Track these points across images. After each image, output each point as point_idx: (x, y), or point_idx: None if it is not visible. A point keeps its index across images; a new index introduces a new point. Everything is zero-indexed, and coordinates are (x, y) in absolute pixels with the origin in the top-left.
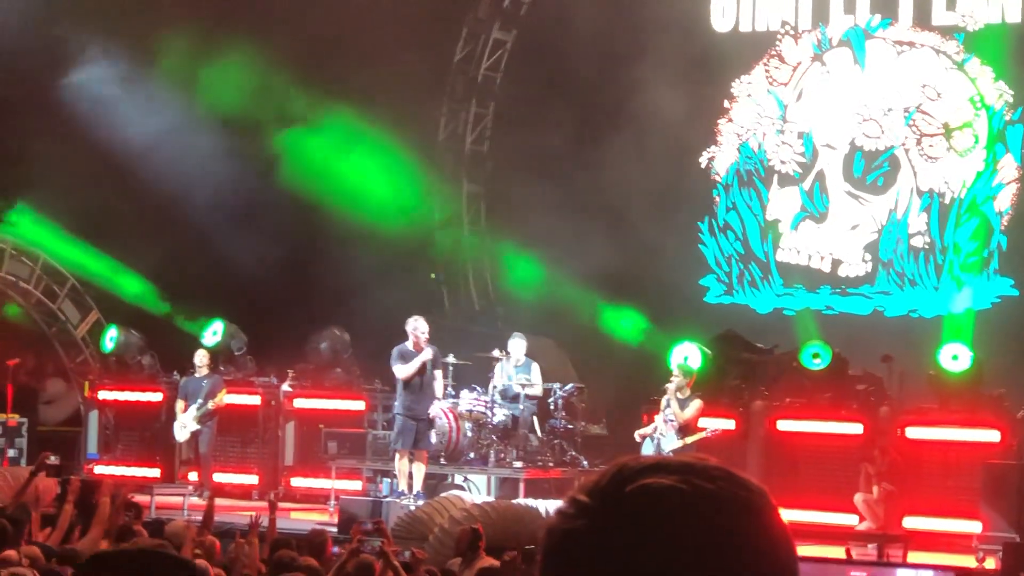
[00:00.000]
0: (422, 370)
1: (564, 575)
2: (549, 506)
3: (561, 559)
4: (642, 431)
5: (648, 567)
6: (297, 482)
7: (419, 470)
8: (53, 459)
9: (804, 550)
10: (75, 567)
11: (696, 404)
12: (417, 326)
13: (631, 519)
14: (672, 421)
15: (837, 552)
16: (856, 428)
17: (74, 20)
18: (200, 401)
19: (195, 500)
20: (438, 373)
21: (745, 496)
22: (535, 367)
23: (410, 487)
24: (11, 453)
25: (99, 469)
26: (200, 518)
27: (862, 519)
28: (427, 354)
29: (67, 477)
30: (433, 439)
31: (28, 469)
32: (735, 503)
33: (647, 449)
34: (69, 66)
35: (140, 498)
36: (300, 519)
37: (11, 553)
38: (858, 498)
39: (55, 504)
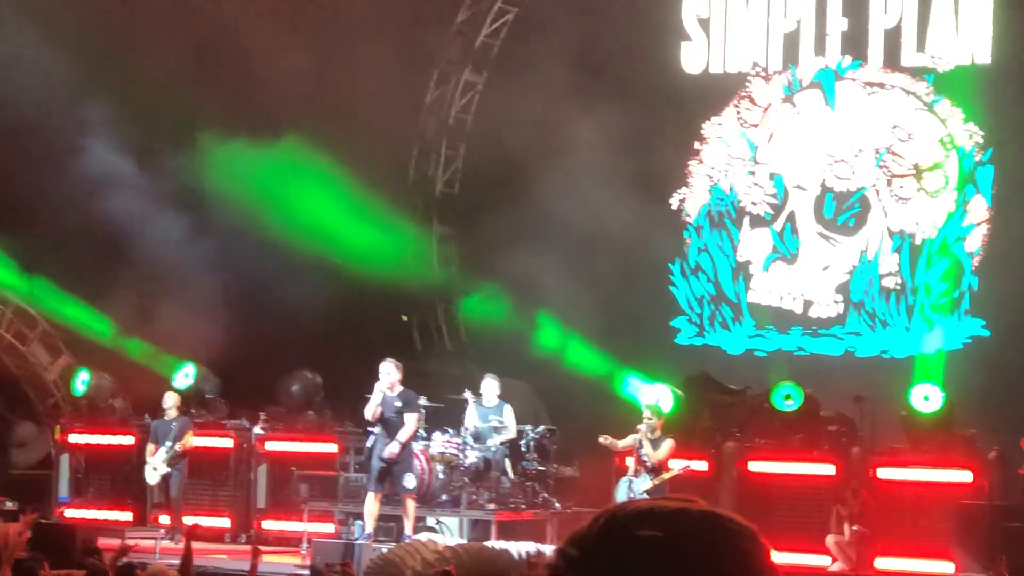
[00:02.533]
0: (389, 415)
1: None
2: (521, 548)
3: None
4: (620, 444)
5: None
6: (269, 525)
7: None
8: (9, 504)
9: None
10: None
11: (668, 444)
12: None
13: (621, 572)
14: (645, 461)
15: None
16: (828, 469)
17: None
18: (169, 444)
19: (167, 543)
20: (407, 417)
21: (737, 541)
22: (508, 408)
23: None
24: None
25: (70, 512)
26: (177, 562)
27: (834, 560)
28: (376, 397)
29: (38, 520)
30: (407, 482)
31: None
32: (727, 549)
33: (621, 489)
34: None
35: (111, 541)
36: (272, 562)
37: None
38: (830, 540)
39: (28, 550)
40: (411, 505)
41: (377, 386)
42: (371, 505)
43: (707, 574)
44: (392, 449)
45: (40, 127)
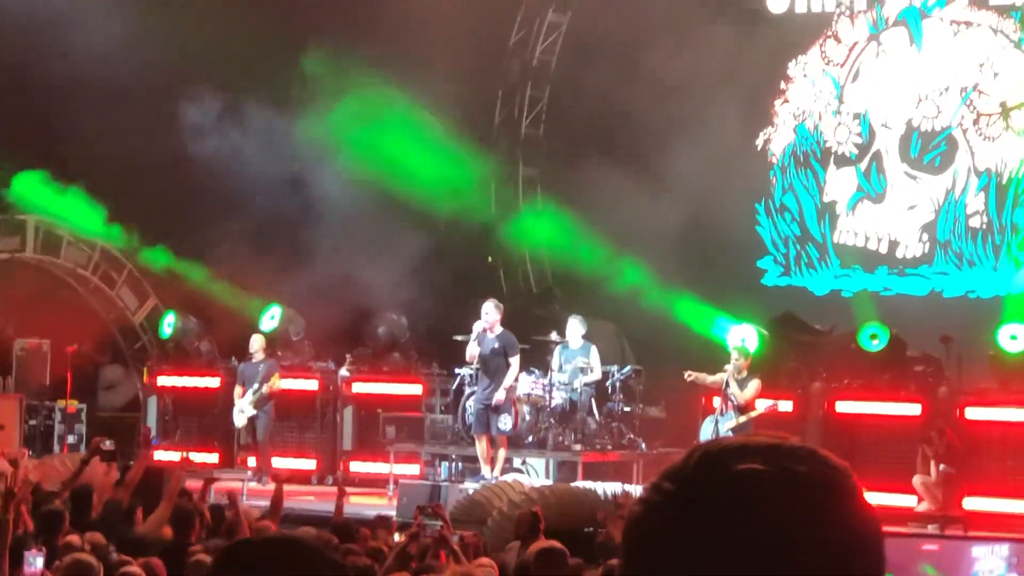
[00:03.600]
0: (486, 355)
1: (650, 565)
2: (607, 489)
3: (647, 549)
4: (708, 379)
5: (740, 553)
6: (356, 467)
7: (497, 455)
8: (107, 444)
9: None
10: (216, 558)
11: (755, 384)
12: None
13: (720, 505)
14: (732, 401)
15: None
16: (915, 409)
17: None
18: (256, 386)
19: (254, 485)
20: (511, 360)
21: (834, 476)
22: (593, 350)
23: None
24: (70, 439)
25: (158, 455)
26: (264, 504)
27: (921, 500)
28: (475, 337)
29: (127, 463)
30: (503, 424)
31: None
32: (826, 484)
33: (706, 428)
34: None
35: (198, 483)
36: (359, 503)
37: (74, 538)
38: (917, 480)
39: (115, 489)
40: (502, 449)
41: (476, 325)
42: (482, 448)
43: (807, 507)
44: (499, 396)
45: (131, 77)
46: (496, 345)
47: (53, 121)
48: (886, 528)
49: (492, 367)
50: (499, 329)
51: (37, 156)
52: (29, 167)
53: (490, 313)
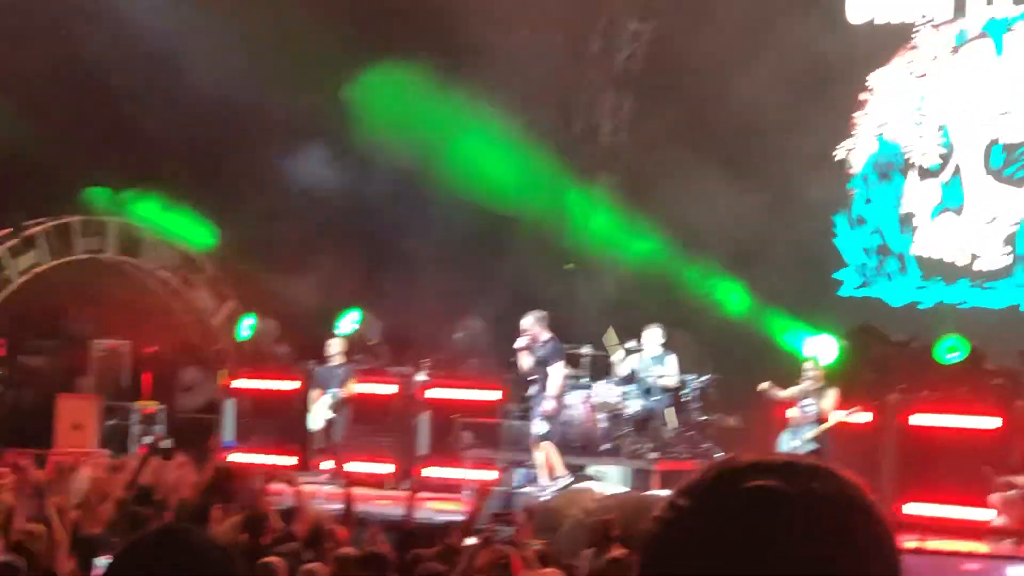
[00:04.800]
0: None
1: None
2: None
3: (661, 565)
4: (781, 393)
5: (754, 570)
6: (430, 471)
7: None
8: (165, 442)
9: (929, 544)
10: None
11: (833, 393)
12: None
13: (734, 522)
14: (809, 412)
15: (975, 549)
16: (993, 422)
17: None
18: (333, 389)
19: (330, 489)
20: (550, 370)
21: (849, 493)
22: (671, 358)
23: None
24: (148, 440)
25: (235, 457)
26: (339, 507)
27: (999, 515)
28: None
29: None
30: (535, 429)
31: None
32: (840, 501)
33: (784, 439)
34: None
35: (275, 486)
36: (434, 509)
37: None
38: (996, 496)
39: (193, 490)
40: (539, 454)
41: (518, 342)
42: (539, 457)
43: (822, 525)
44: (546, 406)
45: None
46: (539, 355)
47: (153, 130)
48: (931, 546)
49: (539, 379)
50: (545, 337)
51: (135, 168)
52: (133, 182)
53: (530, 327)
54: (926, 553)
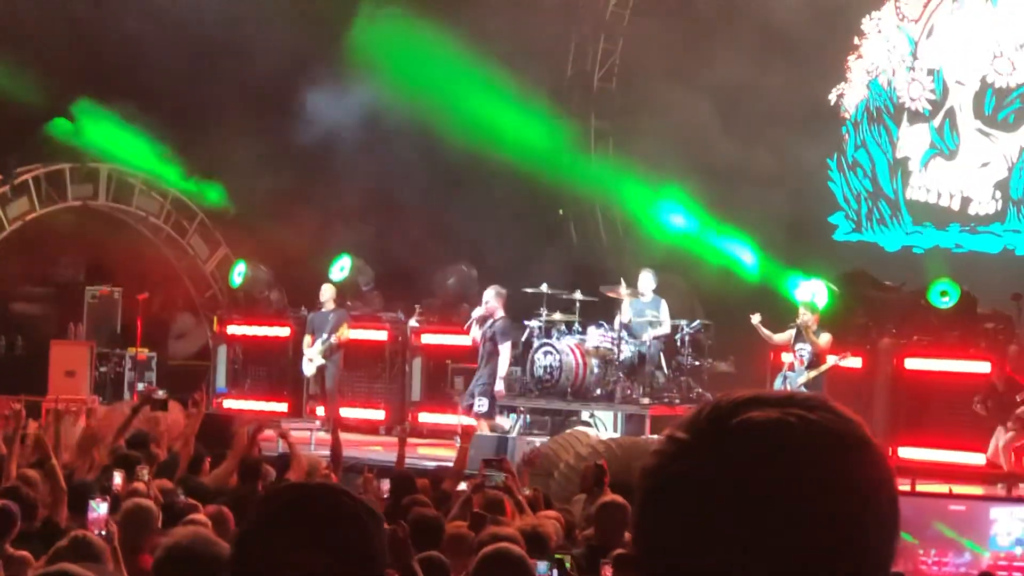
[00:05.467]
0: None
1: (665, 515)
2: None
3: (661, 499)
4: (775, 337)
5: (754, 502)
6: (424, 417)
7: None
8: (160, 393)
9: (921, 486)
10: (260, 504)
11: (826, 337)
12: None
13: (734, 454)
14: (803, 356)
15: (969, 491)
16: (984, 366)
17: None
18: (325, 336)
19: (322, 435)
20: (501, 348)
21: (847, 426)
22: (663, 303)
23: None
24: (140, 387)
25: (227, 403)
26: (328, 453)
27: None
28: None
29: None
30: (478, 406)
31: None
32: (839, 433)
33: (777, 384)
34: None
35: (268, 433)
36: (426, 454)
37: (139, 485)
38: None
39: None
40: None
41: (475, 311)
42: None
43: (821, 456)
44: (498, 387)
45: (221, 38)
46: (489, 332)
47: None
48: (917, 488)
49: (484, 352)
50: (499, 315)
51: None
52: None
53: (489, 301)
54: (913, 495)
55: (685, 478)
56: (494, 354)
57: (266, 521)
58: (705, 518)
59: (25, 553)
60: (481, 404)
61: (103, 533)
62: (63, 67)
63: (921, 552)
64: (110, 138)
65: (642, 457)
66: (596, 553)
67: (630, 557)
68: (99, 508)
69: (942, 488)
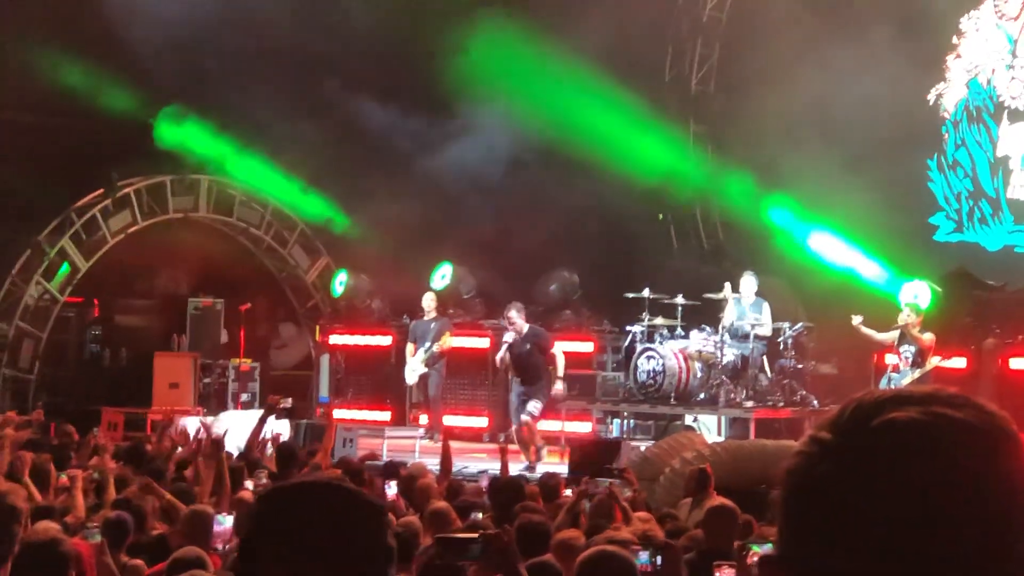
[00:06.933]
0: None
1: (809, 517)
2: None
3: (805, 500)
4: (878, 336)
5: (899, 502)
6: None
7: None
8: (286, 402)
9: None
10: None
11: (930, 336)
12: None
13: (878, 454)
14: (908, 357)
15: None
16: None
17: None
18: (427, 344)
19: (426, 443)
20: (554, 352)
21: (992, 422)
22: (765, 306)
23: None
24: (244, 397)
25: (336, 413)
26: (436, 461)
27: None
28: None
29: (299, 421)
30: (531, 409)
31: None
32: (984, 431)
33: (883, 385)
34: None
35: (373, 441)
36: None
37: (246, 493)
38: None
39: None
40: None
41: (506, 336)
42: (520, 438)
43: (966, 455)
44: (557, 388)
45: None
46: (527, 346)
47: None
48: None
49: (528, 366)
50: (526, 328)
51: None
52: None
53: (516, 321)
54: None
55: (830, 479)
56: (542, 364)
57: (269, 519)
58: (851, 520)
59: (139, 561)
60: (535, 407)
61: (223, 549)
62: (162, 76)
63: None
64: (209, 146)
65: (748, 460)
66: (705, 557)
67: (774, 558)
68: (224, 522)
69: None
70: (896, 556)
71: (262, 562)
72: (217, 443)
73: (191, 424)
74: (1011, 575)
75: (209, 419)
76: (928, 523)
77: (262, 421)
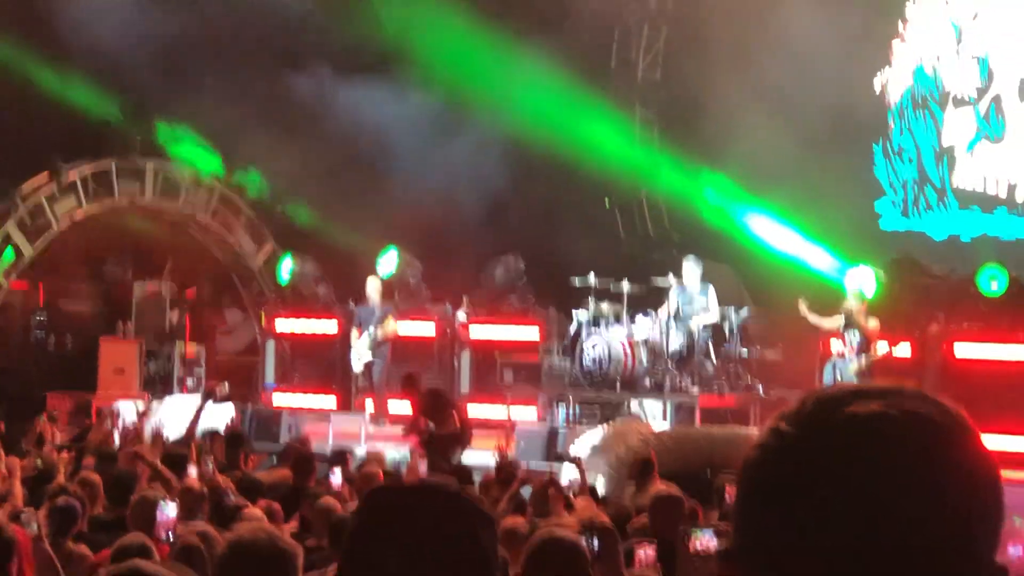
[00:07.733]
0: None
1: (769, 511)
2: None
3: (765, 494)
4: (824, 323)
5: (861, 495)
6: (473, 410)
7: None
8: (222, 388)
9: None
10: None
11: (875, 323)
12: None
13: (840, 447)
14: (853, 344)
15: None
16: None
17: None
18: (372, 329)
19: (372, 429)
20: None
21: (952, 418)
22: (711, 290)
23: None
24: (189, 382)
25: (277, 398)
26: (382, 446)
27: None
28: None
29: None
30: None
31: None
32: (944, 425)
33: (828, 372)
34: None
35: (319, 426)
36: (477, 447)
37: (192, 482)
38: None
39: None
40: None
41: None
42: None
43: (927, 448)
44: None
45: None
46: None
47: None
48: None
49: None
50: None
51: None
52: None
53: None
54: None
55: (790, 474)
56: None
57: (374, 523)
58: (810, 515)
59: (83, 548)
60: None
61: (168, 538)
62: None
63: None
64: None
65: (693, 447)
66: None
67: (732, 552)
68: (167, 509)
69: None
70: (858, 550)
71: (366, 564)
72: (138, 433)
73: (126, 409)
74: (974, 568)
75: (141, 405)
76: (890, 517)
77: (200, 407)
